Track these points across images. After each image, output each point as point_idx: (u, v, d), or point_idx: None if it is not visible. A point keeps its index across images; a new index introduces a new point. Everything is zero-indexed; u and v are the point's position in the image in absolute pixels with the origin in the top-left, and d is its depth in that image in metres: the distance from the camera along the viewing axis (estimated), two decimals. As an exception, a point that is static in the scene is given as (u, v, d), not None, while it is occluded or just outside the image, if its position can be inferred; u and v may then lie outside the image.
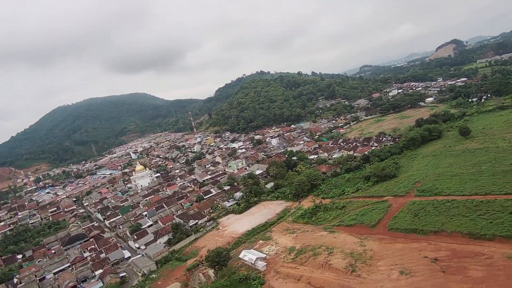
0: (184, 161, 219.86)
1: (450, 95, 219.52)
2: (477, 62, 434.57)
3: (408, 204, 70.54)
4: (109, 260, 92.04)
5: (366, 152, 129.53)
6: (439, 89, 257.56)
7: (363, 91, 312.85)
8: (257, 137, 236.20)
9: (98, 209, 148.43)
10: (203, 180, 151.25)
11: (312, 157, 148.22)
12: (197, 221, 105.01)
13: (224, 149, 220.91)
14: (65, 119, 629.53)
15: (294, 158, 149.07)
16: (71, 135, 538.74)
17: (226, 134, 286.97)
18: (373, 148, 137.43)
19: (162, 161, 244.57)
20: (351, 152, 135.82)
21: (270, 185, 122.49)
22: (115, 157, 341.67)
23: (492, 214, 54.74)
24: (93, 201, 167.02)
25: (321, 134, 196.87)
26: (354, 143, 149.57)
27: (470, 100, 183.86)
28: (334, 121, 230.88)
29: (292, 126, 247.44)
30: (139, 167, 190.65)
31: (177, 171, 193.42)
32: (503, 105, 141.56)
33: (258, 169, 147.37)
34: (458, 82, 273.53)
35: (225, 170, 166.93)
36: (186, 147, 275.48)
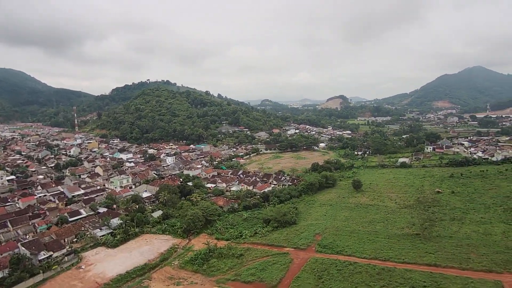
0: (53, 165, 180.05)
1: (339, 144, 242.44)
2: (358, 119, 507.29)
3: (311, 262, 65.58)
4: None
5: (266, 190, 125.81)
6: (330, 136, 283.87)
7: (265, 124, 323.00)
8: (150, 151, 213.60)
9: None
10: (73, 196, 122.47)
11: (209, 185, 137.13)
12: (52, 253, 79.76)
13: (108, 159, 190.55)
14: None
15: (190, 184, 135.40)
16: None
17: (115, 141, 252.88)
18: (272, 186, 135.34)
19: (23, 160, 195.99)
20: (251, 188, 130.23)
21: (157, 213, 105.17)
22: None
23: (395, 287, 52.92)
24: None
25: (221, 160, 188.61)
26: (254, 178, 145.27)
27: (356, 152, 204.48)
28: (235, 149, 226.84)
29: (192, 146, 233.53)
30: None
31: (40, 177, 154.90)
32: (384, 163, 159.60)
33: (146, 191, 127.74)
34: (345, 133, 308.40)
35: (104, 185, 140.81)
36: (61, 148, 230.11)
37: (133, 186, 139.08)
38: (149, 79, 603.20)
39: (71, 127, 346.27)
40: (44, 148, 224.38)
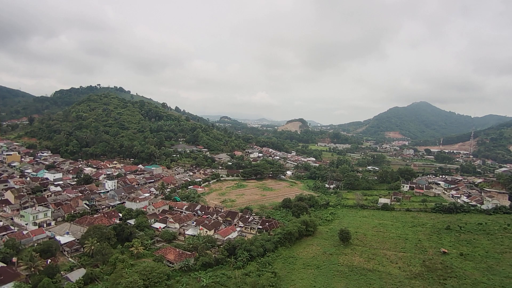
0: None
1: (306, 173, 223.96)
2: (318, 144, 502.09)
3: None
4: None
5: (231, 236, 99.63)
6: (296, 163, 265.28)
7: (226, 145, 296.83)
8: (87, 170, 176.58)
9: None
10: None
11: (157, 225, 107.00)
12: None
13: (29, 179, 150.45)
14: None
15: (132, 222, 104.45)
16: None
17: (44, 154, 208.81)
18: (238, 228, 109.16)
19: None
20: (212, 232, 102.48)
21: (78, 274, 73.18)
22: None
23: None
24: None
25: (174, 188, 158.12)
26: (215, 216, 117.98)
27: (327, 185, 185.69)
28: (192, 173, 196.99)
29: (141, 166, 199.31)
30: None
31: None
32: (363, 204, 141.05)
33: (68, 232, 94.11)
34: (310, 160, 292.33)
35: (12, 220, 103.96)
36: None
37: (53, 223, 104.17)
38: (99, 84, 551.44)
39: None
40: None
